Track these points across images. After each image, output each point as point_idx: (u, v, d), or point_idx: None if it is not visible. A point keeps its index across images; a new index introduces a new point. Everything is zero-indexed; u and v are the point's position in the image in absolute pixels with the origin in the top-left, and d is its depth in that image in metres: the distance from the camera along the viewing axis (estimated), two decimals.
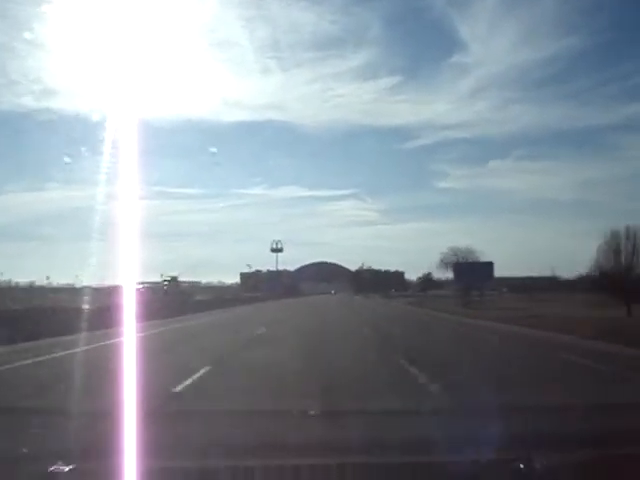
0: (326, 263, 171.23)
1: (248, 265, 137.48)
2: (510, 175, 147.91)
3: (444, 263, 72.02)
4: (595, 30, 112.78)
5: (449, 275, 79.65)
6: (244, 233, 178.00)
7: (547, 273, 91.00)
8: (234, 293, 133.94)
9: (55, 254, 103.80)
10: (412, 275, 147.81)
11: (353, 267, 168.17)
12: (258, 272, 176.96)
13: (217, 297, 78.82)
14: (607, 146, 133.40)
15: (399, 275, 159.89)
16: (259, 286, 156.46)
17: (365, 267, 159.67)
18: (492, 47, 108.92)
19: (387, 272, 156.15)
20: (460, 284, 46.79)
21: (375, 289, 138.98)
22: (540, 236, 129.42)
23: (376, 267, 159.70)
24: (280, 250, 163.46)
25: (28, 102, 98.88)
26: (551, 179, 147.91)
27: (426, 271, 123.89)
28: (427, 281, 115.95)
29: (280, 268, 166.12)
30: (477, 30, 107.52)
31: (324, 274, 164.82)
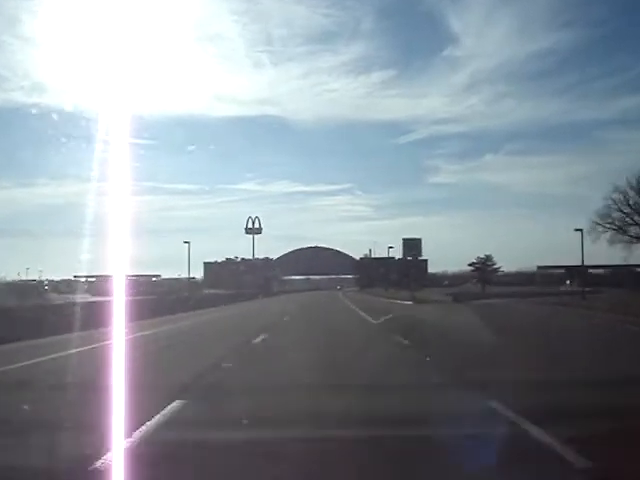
0: (319, 248, 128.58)
1: (185, 240, 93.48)
2: (504, 169, 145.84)
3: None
4: (589, 23, 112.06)
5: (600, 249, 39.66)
6: (235, 228, 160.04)
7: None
8: (194, 289, 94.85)
9: (44, 249, 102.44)
10: None
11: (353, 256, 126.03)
12: (230, 261, 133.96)
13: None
14: (601, 140, 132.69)
15: (419, 264, 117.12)
16: (226, 279, 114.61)
17: (373, 255, 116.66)
18: (485, 40, 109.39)
19: (405, 261, 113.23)
20: None
21: (391, 282, 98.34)
22: (537, 230, 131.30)
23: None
24: (258, 231, 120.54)
25: (18, 97, 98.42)
26: (545, 173, 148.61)
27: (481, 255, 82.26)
28: (485, 270, 74.25)
29: (260, 257, 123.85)
30: (470, 23, 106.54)
31: (317, 263, 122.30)
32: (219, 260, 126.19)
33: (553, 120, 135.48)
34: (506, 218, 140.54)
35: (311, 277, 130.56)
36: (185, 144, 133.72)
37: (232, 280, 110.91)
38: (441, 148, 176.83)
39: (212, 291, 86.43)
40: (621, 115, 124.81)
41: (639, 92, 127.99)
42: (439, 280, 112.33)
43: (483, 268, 77.66)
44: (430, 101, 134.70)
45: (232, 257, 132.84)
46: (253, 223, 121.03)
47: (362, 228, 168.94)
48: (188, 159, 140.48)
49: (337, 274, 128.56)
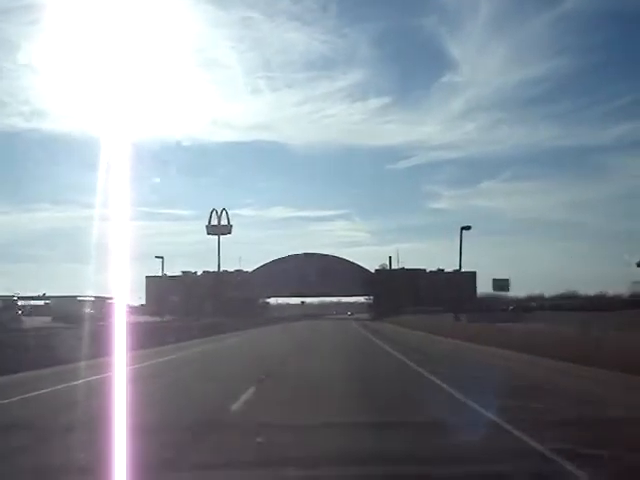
0: (313, 256, 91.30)
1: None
2: (501, 195, 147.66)
3: None
4: (585, 51, 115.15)
5: None
6: (232, 254, 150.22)
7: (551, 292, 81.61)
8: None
9: (43, 274, 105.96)
10: None
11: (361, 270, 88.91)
12: (187, 275, 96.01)
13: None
14: (597, 166, 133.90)
15: (464, 280, 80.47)
16: (181, 302, 77.78)
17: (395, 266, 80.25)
18: (482, 67, 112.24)
19: (441, 273, 77.15)
20: None
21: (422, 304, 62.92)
22: (532, 256, 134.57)
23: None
24: (226, 231, 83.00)
25: (18, 123, 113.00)
26: (541, 199, 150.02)
27: None
28: None
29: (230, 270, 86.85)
30: (467, 50, 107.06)
31: (313, 277, 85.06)
32: (170, 274, 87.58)
33: (550, 146, 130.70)
34: (503, 244, 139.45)
35: (305, 299, 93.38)
36: (182, 169, 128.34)
37: (190, 303, 73.95)
38: (439, 174, 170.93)
39: (154, 319, 51.61)
40: (617, 141, 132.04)
41: (634, 118, 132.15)
42: (478, 304, 77.53)
43: None
44: (427, 128, 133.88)
45: (190, 270, 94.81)
46: (219, 218, 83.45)
47: (360, 254, 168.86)
48: (184, 184, 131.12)
49: (339, 293, 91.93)
